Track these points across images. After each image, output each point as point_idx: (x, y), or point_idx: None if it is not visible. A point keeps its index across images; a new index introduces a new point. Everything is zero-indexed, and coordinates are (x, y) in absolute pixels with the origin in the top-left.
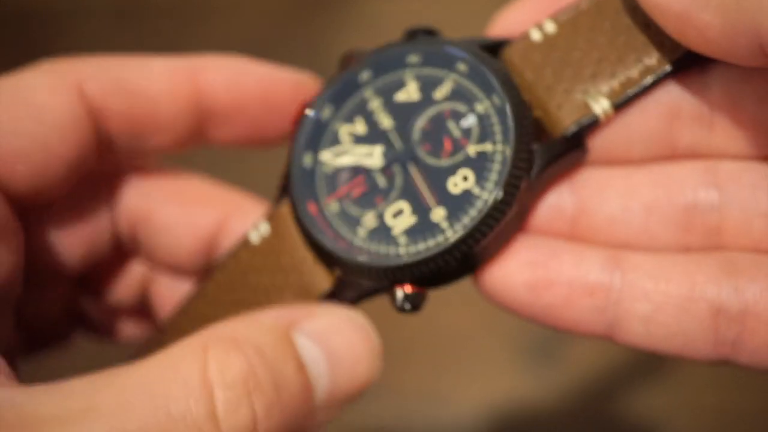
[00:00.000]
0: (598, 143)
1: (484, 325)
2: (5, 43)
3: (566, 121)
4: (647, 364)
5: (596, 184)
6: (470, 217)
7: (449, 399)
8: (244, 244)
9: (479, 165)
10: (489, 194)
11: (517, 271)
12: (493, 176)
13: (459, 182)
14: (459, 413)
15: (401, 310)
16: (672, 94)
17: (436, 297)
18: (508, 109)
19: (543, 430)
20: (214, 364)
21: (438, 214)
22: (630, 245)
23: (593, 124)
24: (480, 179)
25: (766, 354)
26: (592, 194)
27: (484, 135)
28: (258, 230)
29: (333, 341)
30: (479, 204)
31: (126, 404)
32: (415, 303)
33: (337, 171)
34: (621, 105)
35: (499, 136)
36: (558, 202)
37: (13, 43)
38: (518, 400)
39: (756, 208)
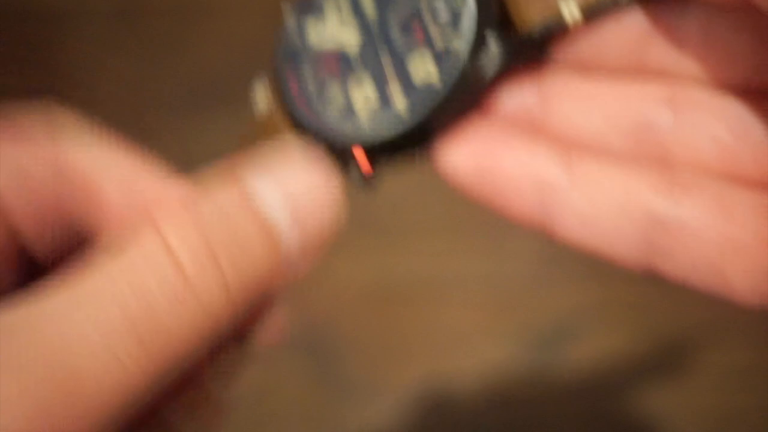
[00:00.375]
0: (570, 47)
1: (484, 326)
2: (5, 43)
3: (534, 19)
4: (647, 365)
5: (563, 88)
6: (428, 108)
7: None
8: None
9: (444, 58)
10: (444, 86)
11: (470, 156)
12: (453, 71)
13: (422, 74)
14: (459, 413)
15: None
16: (648, 14)
17: (437, 297)
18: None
19: (543, 431)
20: (172, 235)
21: (400, 103)
22: (584, 149)
23: (560, 29)
24: (442, 73)
25: (690, 267)
26: (556, 97)
27: (453, 26)
28: (260, 103)
29: (292, 183)
30: (437, 96)
31: (100, 292)
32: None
33: (320, 53)
34: (592, 15)
35: (462, 29)
36: (522, 99)
37: (13, 43)
38: (518, 401)
39: (708, 134)
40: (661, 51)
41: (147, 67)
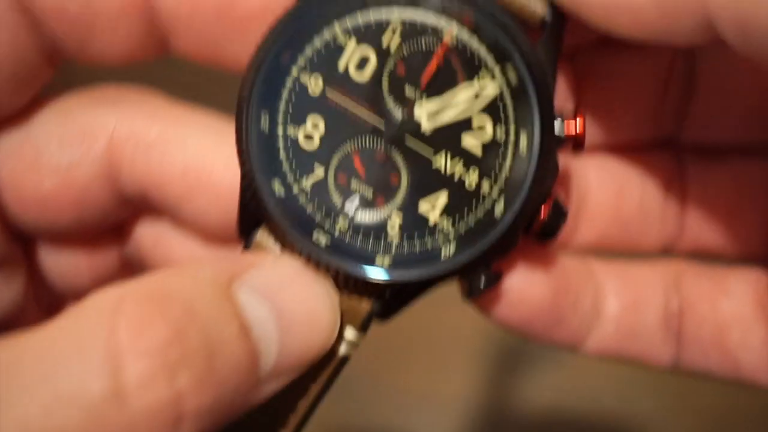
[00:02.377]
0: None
1: (485, 327)
2: None
3: (539, 10)
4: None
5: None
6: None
7: (449, 399)
8: None
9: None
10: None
11: (544, 286)
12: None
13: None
14: (458, 414)
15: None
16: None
17: (437, 298)
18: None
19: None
20: (126, 328)
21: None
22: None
23: None
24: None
25: (698, 349)
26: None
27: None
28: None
29: (284, 297)
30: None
31: (7, 386)
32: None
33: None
34: None
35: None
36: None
37: None
38: (517, 402)
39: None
40: (660, 225)
41: (146, 67)
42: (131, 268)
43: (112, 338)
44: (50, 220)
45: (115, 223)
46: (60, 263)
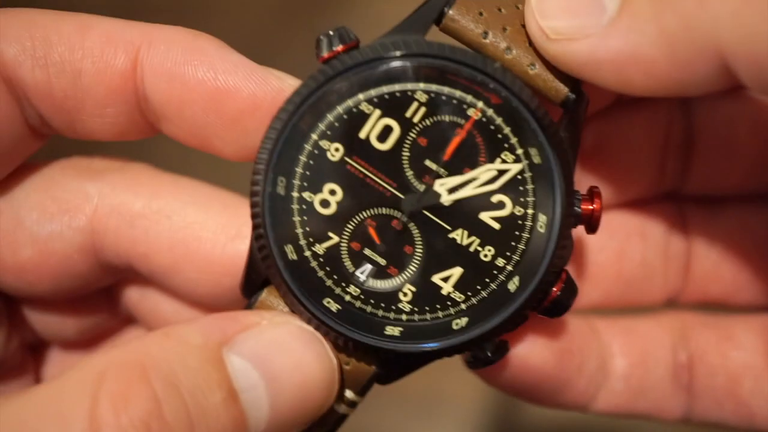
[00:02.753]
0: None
1: None
2: None
3: (561, 88)
4: None
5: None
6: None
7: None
8: None
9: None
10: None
11: (550, 353)
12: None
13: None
14: (459, 414)
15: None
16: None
17: None
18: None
19: None
20: (107, 401)
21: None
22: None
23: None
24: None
25: (711, 400)
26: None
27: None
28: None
29: (276, 361)
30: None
31: None
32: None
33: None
34: None
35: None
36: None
37: None
38: (516, 403)
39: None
40: (669, 272)
41: None
42: (121, 317)
43: (94, 411)
44: (29, 286)
45: (100, 288)
46: (44, 320)
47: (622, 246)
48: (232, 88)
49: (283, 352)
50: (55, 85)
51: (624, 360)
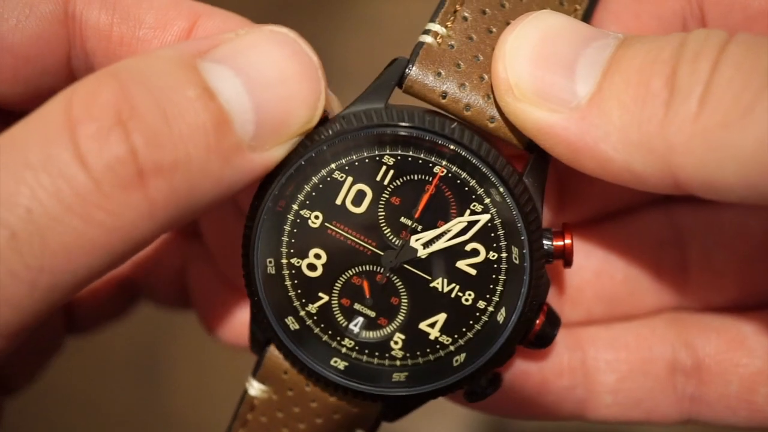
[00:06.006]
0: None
1: None
2: None
3: (524, 136)
4: None
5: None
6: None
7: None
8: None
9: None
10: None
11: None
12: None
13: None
14: (459, 414)
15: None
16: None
17: None
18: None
19: None
20: (79, 100)
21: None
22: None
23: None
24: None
25: (723, 406)
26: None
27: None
28: (253, 387)
29: (250, 60)
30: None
31: None
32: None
33: None
34: None
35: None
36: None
37: None
38: None
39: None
40: (665, 284)
41: None
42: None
43: (69, 111)
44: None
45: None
46: None
47: (600, 265)
48: None
49: (256, 53)
50: (115, 31)
51: (612, 375)
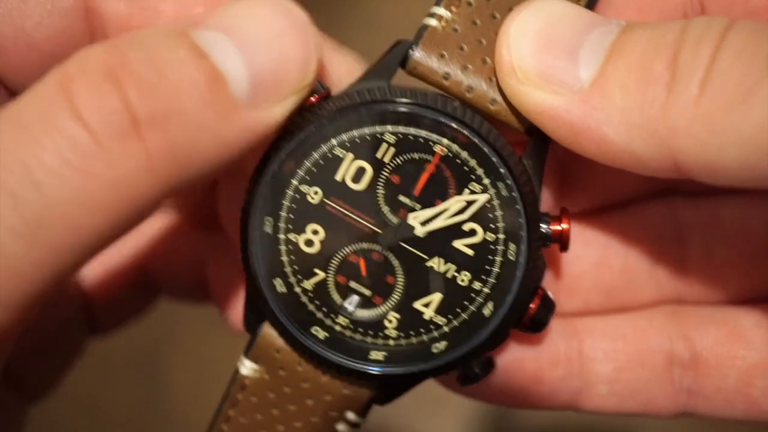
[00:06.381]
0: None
1: None
2: None
3: (525, 119)
4: None
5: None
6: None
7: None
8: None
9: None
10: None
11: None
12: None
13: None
14: (459, 414)
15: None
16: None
17: None
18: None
19: None
20: (73, 62)
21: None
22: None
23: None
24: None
25: (720, 399)
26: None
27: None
28: (245, 366)
29: (240, 22)
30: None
31: None
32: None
33: None
34: None
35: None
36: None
37: None
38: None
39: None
40: (663, 276)
41: None
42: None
43: (62, 72)
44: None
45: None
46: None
47: (599, 255)
48: None
49: (247, 16)
50: (134, 21)
51: (608, 365)
